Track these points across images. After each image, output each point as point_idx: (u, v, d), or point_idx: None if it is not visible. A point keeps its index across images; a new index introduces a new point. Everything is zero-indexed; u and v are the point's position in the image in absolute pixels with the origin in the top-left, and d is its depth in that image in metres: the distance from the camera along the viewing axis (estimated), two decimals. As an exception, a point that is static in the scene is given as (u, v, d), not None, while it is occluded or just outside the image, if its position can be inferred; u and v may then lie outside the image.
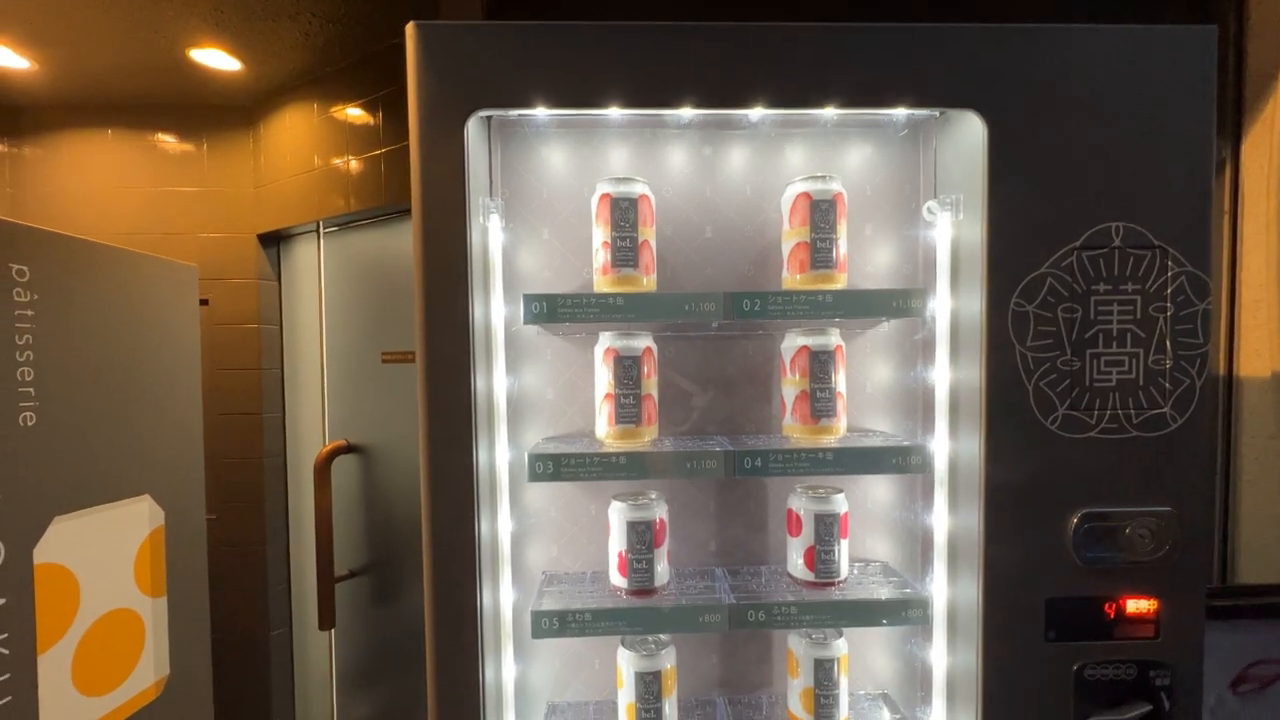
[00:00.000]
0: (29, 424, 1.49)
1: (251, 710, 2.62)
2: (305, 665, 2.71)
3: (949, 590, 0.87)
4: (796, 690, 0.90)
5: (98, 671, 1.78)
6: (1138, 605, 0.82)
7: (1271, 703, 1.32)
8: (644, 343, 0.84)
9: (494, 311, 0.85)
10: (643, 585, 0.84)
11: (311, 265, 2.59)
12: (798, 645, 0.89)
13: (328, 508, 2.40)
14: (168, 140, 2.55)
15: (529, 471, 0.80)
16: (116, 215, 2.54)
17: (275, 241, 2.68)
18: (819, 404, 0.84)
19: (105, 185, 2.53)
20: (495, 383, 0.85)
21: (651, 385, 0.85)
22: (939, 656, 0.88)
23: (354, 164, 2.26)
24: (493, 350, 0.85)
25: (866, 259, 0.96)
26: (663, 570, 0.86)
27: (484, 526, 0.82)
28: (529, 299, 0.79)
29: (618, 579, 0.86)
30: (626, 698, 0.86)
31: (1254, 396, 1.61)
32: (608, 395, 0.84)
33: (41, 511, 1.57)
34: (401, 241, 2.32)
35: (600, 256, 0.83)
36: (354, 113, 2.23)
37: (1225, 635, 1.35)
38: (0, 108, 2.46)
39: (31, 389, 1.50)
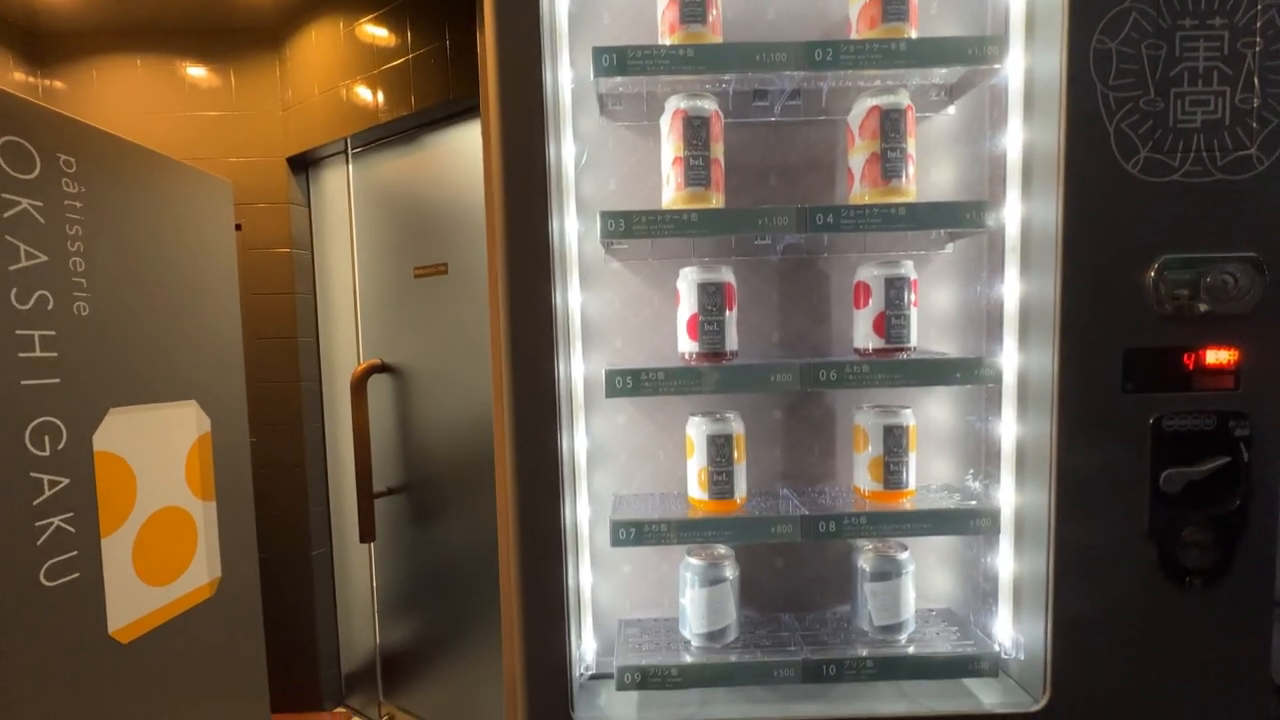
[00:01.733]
0: (82, 314, 1.53)
1: (297, 626, 2.69)
2: (347, 583, 2.78)
3: (1020, 357, 0.86)
4: (864, 463, 0.90)
5: (157, 563, 1.84)
6: (1217, 355, 0.81)
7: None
8: (711, 105, 0.83)
9: (561, 75, 0.85)
10: (714, 348, 0.85)
11: (341, 189, 2.60)
12: (866, 418, 0.90)
13: (365, 423, 2.44)
14: (195, 65, 2.56)
15: (600, 229, 0.81)
16: (146, 141, 2.55)
17: (304, 167, 2.70)
18: (890, 164, 0.83)
19: (135, 112, 2.56)
20: (564, 149, 0.86)
21: (718, 150, 0.85)
22: (1008, 426, 0.88)
23: (381, 75, 2.26)
24: (560, 117, 0.85)
25: (935, 30, 0.94)
26: (732, 337, 0.86)
27: (558, 298, 0.83)
28: (599, 51, 0.79)
29: (688, 344, 0.86)
30: (698, 464, 0.87)
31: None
32: (676, 160, 0.83)
33: (98, 401, 1.62)
34: (429, 157, 2.32)
35: (667, 16, 0.83)
36: (378, 30, 2.22)
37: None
38: (32, 37, 2.48)
39: (84, 280, 1.54)
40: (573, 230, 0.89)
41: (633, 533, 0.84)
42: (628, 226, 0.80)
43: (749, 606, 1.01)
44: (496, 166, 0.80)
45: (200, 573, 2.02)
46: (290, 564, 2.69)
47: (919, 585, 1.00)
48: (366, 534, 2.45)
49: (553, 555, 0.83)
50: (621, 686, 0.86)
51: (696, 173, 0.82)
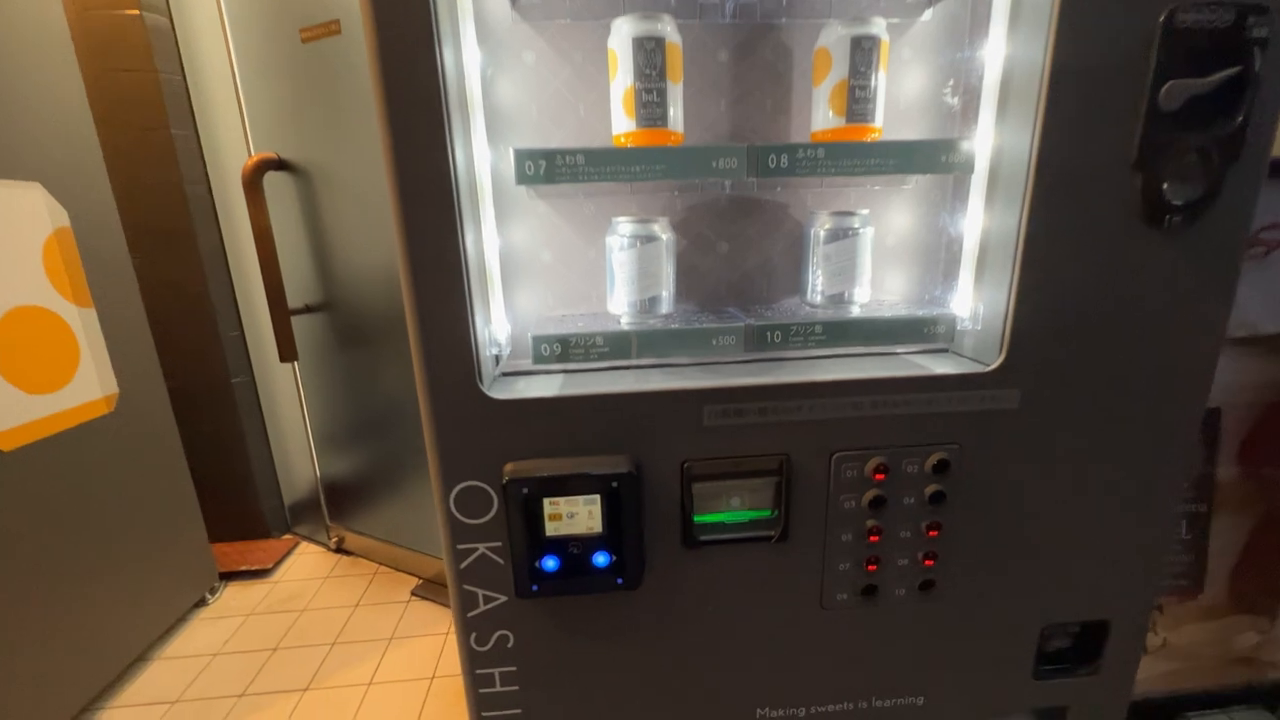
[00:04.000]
0: None
1: (229, 457, 2.56)
2: (276, 411, 2.62)
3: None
4: (825, 95, 0.75)
5: (30, 368, 1.62)
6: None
7: (1274, 268, 1.30)
8: None
9: None
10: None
11: (194, -71, 2.06)
12: (830, 34, 0.73)
13: (266, 225, 2.14)
14: None
15: None
16: None
17: (140, -103, 2.11)
18: None
19: None
20: None
21: None
22: (995, 48, 0.73)
23: None
24: None
25: None
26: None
27: None
28: None
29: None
30: (623, 83, 0.70)
31: None
32: None
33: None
34: None
35: None
36: None
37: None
38: None
39: None
40: None
41: (542, 165, 0.67)
42: None
43: (688, 300, 0.90)
44: None
45: (90, 385, 1.81)
46: (210, 393, 2.49)
47: (877, 281, 0.91)
48: (286, 353, 2.25)
49: (442, 202, 0.66)
50: (539, 359, 0.75)
51: None
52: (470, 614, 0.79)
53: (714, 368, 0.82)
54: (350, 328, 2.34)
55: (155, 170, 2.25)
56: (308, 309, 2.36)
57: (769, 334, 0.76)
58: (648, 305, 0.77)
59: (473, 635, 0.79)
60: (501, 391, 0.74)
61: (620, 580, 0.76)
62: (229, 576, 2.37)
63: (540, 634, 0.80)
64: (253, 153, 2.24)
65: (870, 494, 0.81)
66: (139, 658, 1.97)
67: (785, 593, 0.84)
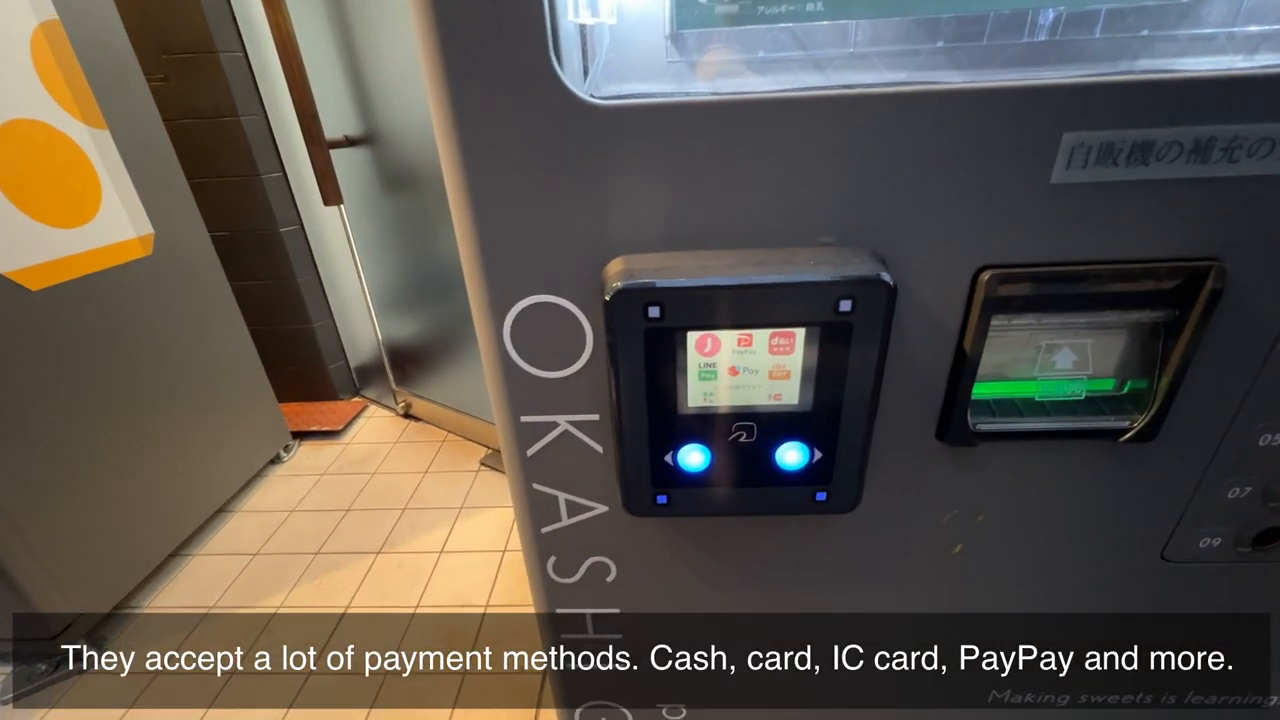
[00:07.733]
0: None
1: (287, 319, 2.38)
2: (331, 268, 2.38)
3: None
4: None
5: (45, 196, 1.37)
6: None
7: None
8: None
9: None
10: None
11: None
12: None
13: (288, 31, 1.71)
14: None
15: None
16: None
17: None
18: None
19: None
20: None
21: None
22: None
23: None
24: None
25: None
26: None
27: None
28: None
29: None
30: None
31: None
32: None
33: None
34: None
35: None
36: None
37: None
38: None
39: None
40: None
41: None
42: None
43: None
44: None
45: (120, 222, 1.56)
46: (259, 244, 2.26)
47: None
48: (329, 195, 1.93)
49: None
50: (686, 18, 0.33)
51: None
52: (545, 529, 0.46)
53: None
54: (398, 167, 1.97)
55: (156, -39, 1.84)
56: (349, 141, 1.99)
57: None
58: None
59: (551, 561, 0.47)
60: (613, 83, 0.33)
61: (822, 496, 0.40)
62: (301, 436, 2.29)
63: (662, 566, 0.47)
64: (261, -73, 1.76)
65: (1370, 355, 0.37)
66: (222, 508, 1.94)
67: (1112, 529, 0.45)
